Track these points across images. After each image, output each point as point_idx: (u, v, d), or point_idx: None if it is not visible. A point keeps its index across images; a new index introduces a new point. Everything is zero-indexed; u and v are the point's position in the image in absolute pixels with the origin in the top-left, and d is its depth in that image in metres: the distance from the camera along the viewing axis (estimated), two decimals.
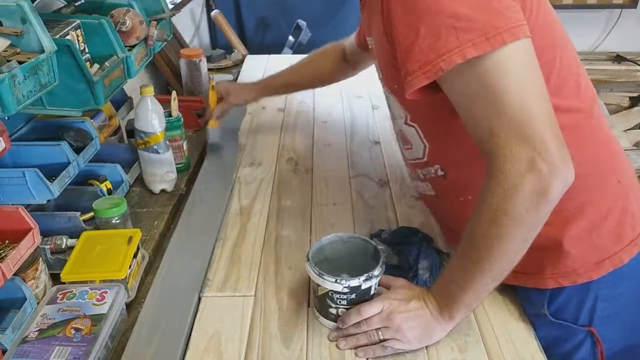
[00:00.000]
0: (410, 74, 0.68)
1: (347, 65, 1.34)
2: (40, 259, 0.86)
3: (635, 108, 2.96)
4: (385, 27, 0.74)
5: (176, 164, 1.23)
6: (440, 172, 0.88)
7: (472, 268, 0.72)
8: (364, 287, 0.79)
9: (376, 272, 0.80)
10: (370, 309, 0.79)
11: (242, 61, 2.08)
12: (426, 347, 0.80)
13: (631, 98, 2.99)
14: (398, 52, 0.70)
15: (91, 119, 1.13)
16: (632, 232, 0.83)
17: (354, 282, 0.78)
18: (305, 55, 1.40)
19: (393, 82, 0.78)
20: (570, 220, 0.80)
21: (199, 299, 0.90)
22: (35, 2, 0.97)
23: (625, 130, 2.91)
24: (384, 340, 0.78)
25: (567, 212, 0.80)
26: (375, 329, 0.78)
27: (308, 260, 0.81)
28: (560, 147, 0.64)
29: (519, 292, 0.90)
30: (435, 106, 0.75)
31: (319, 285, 0.80)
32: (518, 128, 0.64)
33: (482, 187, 0.69)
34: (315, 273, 0.79)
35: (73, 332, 0.76)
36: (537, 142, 0.63)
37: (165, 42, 1.21)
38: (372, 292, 0.82)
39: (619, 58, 2.97)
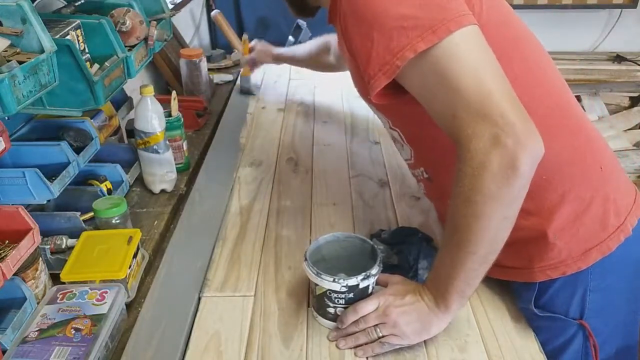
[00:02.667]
0: (372, 78, 0.72)
1: (330, 60, 1.52)
2: (40, 259, 0.86)
3: (635, 108, 2.96)
4: (347, 45, 0.77)
5: (176, 164, 1.23)
6: (425, 175, 0.92)
7: (457, 252, 0.72)
8: (362, 286, 0.79)
9: (374, 270, 0.80)
10: (367, 306, 0.79)
11: None
12: (426, 347, 0.80)
13: (631, 98, 2.99)
14: (359, 62, 0.74)
15: (91, 119, 1.13)
16: (616, 219, 0.82)
17: (352, 281, 0.78)
18: (319, 39, 1.57)
19: (367, 93, 0.81)
20: (553, 210, 0.81)
21: (199, 299, 0.90)
22: (35, 2, 0.97)
23: (625, 130, 2.90)
24: (383, 336, 0.78)
25: (549, 202, 0.80)
26: (374, 326, 0.78)
27: (306, 260, 0.82)
28: (522, 120, 0.65)
29: (512, 288, 0.90)
30: (408, 111, 0.78)
31: (317, 285, 0.80)
32: (477, 107, 0.65)
33: (455, 171, 0.70)
34: (313, 273, 0.79)
35: (73, 332, 0.76)
36: (497, 117, 0.64)
37: (165, 42, 1.21)
38: (370, 291, 0.82)
39: (619, 58, 2.97)
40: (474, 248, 0.71)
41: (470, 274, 0.73)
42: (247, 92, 1.77)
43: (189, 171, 1.30)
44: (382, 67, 0.70)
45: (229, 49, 2.17)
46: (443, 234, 0.77)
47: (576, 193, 0.81)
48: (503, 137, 0.64)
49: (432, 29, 0.66)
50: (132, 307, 0.90)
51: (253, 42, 1.73)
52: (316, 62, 1.58)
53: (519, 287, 0.88)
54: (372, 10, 0.70)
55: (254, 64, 1.74)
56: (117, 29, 1.02)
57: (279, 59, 1.70)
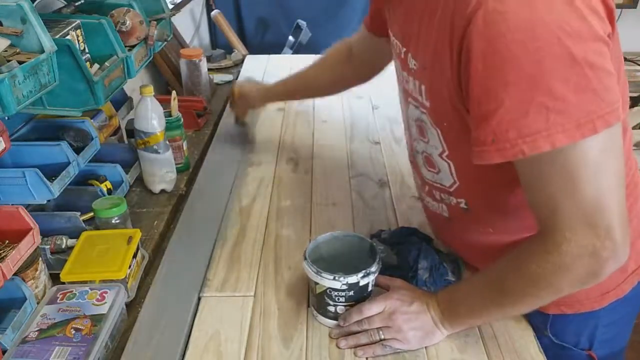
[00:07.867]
0: (482, 144, 0.62)
1: (351, 67, 1.15)
2: (40, 259, 0.86)
3: (635, 108, 2.96)
4: (453, 69, 0.64)
5: (176, 164, 1.23)
6: (463, 206, 0.82)
7: (492, 307, 0.74)
8: (362, 283, 0.79)
9: (373, 268, 0.80)
10: (372, 308, 0.79)
11: (242, 61, 2.08)
12: (426, 347, 0.80)
13: (631, 98, 2.99)
14: (469, 109, 0.64)
15: (91, 119, 1.13)
16: (634, 264, 0.83)
17: (352, 279, 0.79)
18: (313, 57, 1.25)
19: (443, 118, 0.72)
20: None
21: (199, 299, 0.90)
22: (35, 2, 0.97)
23: None
24: (384, 339, 0.78)
25: None
26: (377, 328, 0.79)
27: (305, 259, 0.82)
28: (624, 233, 0.62)
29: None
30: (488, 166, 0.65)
31: (317, 284, 0.80)
32: (587, 216, 0.61)
33: (527, 245, 0.68)
34: (313, 271, 0.79)
35: (73, 332, 0.76)
36: (602, 231, 0.61)
37: (165, 42, 1.21)
38: (369, 289, 0.82)
39: None
40: (513, 311, 0.73)
41: (491, 319, 0.77)
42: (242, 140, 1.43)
43: (189, 171, 1.30)
44: (500, 142, 0.59)
45: (229, 49, 2.18)
46: (481, 278, 0.76)
47: None
48: (600, 250, 0.62)
49: (578, 122, 0.56)
50: (132, 307, 0.90)
51: (235, 86, 1.39)
52: (338, 78, 1.19)
53: (531, 312, 0.86)
54: (516, 65, 0.56)
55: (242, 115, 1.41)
56: (117, 29, 1.02)
57: (274, 97, 1.35)
